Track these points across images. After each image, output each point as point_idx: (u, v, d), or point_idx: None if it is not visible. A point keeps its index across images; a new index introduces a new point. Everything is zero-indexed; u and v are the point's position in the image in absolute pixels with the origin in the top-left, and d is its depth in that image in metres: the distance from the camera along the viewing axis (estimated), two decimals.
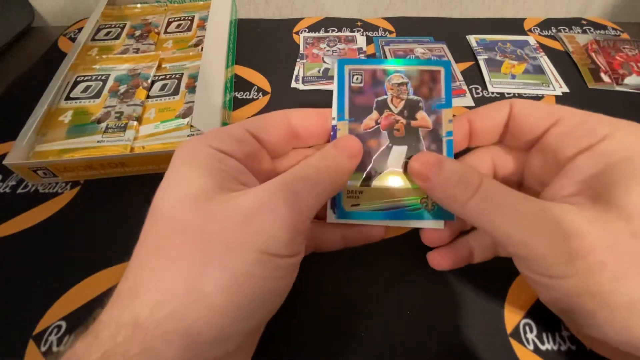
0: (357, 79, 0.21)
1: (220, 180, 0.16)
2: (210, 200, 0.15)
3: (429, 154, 0.20)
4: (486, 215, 0.17)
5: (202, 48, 0.36)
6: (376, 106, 0.21)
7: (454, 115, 0.21)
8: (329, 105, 0.22)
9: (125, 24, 0.42)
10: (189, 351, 0.13)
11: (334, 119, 0.21)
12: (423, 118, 0.21)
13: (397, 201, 0.21)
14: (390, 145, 0.21)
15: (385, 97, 0.21)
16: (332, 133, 0.21)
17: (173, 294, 0.14)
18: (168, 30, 0.42)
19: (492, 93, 0.37)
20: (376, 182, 0.21)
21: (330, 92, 0.22)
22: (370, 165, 0.21)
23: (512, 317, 0.22)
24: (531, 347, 0.21)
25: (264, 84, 0.38)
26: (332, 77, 0.38)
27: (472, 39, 0.43)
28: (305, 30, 0.45)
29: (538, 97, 0.36)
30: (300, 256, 0.17)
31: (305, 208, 0.16)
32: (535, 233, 0.16)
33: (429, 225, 0.21)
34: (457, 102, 0.36)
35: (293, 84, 0.38)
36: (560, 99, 0.36)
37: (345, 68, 0.21)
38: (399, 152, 0.21)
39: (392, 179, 0.21)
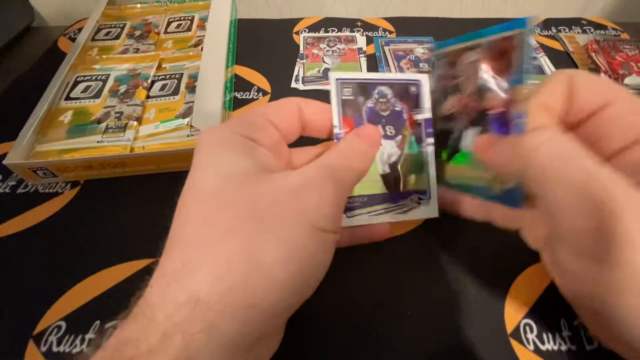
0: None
1: (260, 163, 0.17)
2: (256, 178, 0.16)
3: (486, 136, 0.20)
4: (554, 170, 0.16)
5: (202, 48, 0.37)
6: (451, 91, 0.22)
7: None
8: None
9: (125, 24, 0.42)
10: (246, 326, 0.14)
11: (335, 126, 0.21)
12: (492, 99, 0.20)
13: (470, 179, 0.22)
14: (465, 127, 0.22)
15: (460, 78, 0.22)
16: (335, 141, 0.21)
17: (234, 266, 0.14)
18: (168, 30, 0.42)
19: None
20: (453, 162, 0.23)
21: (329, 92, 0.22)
22: (449, 145, 0.23)
23: (513, 317, 0.22)
24: (531, 347, 0.21)
25: (264, 84, 0.38)
26: None
27: None
28: (305, 30, 0.45)
29: None
30: (339, 234, 0.18)
31: (345, 189, 0.17)
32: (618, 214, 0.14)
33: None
34: None
35: (293, 84, 0.38)
36: None
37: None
38: (472, 134, 0.22)
39: (465, 160, 0.22)
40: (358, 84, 0.22)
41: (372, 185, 0.22)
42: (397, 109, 0.23)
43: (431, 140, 0.23)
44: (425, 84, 0.23)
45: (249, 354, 0.15)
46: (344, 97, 0.22)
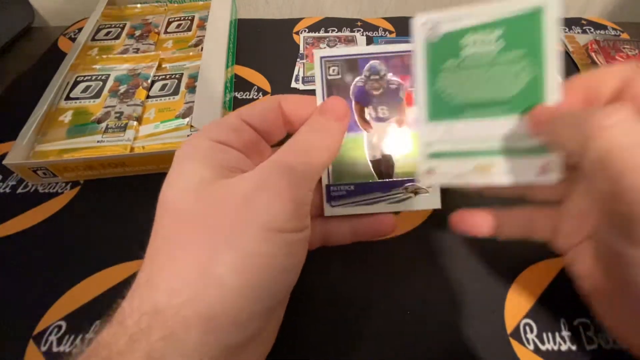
0: None
1: (219, 169, 0.16)
2: (210, 187, 0.16)
3: (544, 107, 0.17)
4: (622, 157, 0.13)
5: (202, 48, 0.37)
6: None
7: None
8: None
9: (125, 24, 0.42)
10: (208, 336, 0.14)
11: None
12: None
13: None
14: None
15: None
16: None
17: (187, 280, 0.14)
18: (168, 30, 0.42)
19: None
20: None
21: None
22: None
23: (512, 317, 0.22)
24: (531, 347, 0.21)
25: (264, 84, 0.38)
26: None
27: None
28: (305, 30, 0.45)
29: None
30: (307, 232, 0.17)
31: (303, 179, 0.16)
32: None
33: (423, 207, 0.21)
34: None
35: (293, 84, 0.38)
36: None
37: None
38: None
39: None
40: (346, 60, 0.20)
41: (360, 172, 0.21)
42: (392, 86, 0.20)
43: None
44: None
45: None
46: (329, 77, 0.20)
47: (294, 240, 0.16)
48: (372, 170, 0.21)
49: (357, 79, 0.20)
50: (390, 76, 0.20)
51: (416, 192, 0.21)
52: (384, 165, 0.21)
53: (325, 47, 0.42)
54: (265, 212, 0.15)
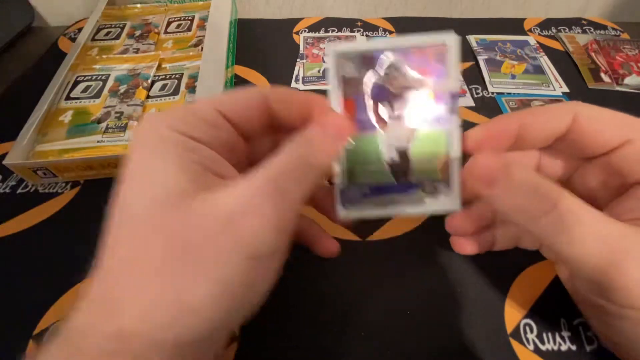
0: None
1: (195, 175, 0.15)
2: (189, 200, 0.14)
3: (491, 156, 0.17)
4: (563, 235, 0.15)
5: (202, 48, 0.37)
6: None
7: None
8: None
9: (125, 24, 0.42)
10: (178, 356, 0.13)
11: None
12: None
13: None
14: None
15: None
16: None
17: (160, 307, 0.13)
18: (168, 30, 0.42)
19: (492, 93, 0.37)
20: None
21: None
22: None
23: (513, 317, 0.22)
24: (531, 347, 0.21)
25: (264, 84, 0.38)
26: None
27: (472, 39, 0.43)
28: (305, 30, 0.45)
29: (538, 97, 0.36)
30: (286, 249, 0.16)
31: (294, 203, 0.15)
32: (621, 261, 0.14)
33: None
34: None
35: (293, 84, 0.38)
36: (560, 99, 0.36)
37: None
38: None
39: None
40: (363, 56, 0.19)
41: (375, 173, 0.20)
42: (411, 83, 0.19)
43: (456, 118, 0.19)
44: (454, 47, 0.18)
45: None
46: (344, 75, 0.19)
47: (273, 263, 0.16)
48: (389, 171, 0.20)
49: (374, 75, 0.19)
50: (409, 72, 0.19)
51: (434, 193, 0.20)
52: (401, 165, 0.20)
53: (325, 47, 0.42)
54: (250, 240, 0.14)
